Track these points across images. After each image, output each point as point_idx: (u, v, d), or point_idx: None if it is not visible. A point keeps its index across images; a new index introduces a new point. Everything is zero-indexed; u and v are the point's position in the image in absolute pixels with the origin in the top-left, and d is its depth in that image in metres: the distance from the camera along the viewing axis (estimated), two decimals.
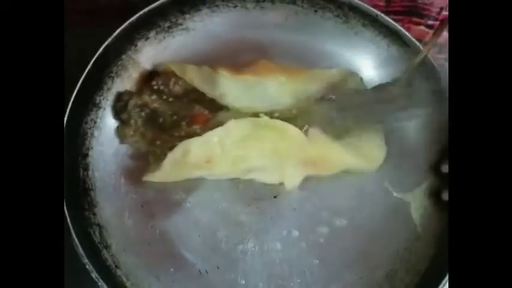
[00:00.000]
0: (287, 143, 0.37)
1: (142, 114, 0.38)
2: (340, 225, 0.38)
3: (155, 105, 0.38)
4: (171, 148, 0.36)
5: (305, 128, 0.38)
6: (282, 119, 0.38)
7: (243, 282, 0.37)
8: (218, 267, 0.37)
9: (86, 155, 0.38)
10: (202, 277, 0.37)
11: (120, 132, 0.38)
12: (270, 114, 0.38)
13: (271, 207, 0.38)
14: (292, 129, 0.37)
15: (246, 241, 0.38)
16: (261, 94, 0.38)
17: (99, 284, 0.32)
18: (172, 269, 0.37)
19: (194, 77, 0.38)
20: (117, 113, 0.38)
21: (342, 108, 0.39)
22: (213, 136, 0.36)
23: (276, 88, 0.38)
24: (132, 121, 0.38)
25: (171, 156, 0.36)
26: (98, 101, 0.38)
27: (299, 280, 0.37)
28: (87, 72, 0.36)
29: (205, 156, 0.36)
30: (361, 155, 0.38)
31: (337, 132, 0.38)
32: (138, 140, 0.38)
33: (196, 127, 0.37)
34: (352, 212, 0.38)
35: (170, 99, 0.38)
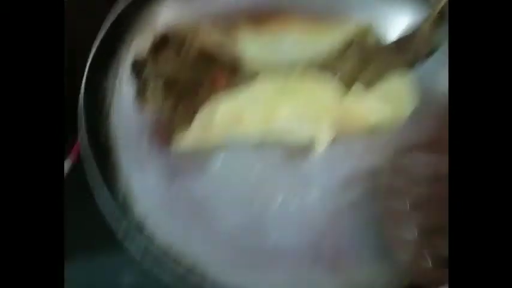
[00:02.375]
0: (318, 100, 0.36)
1: (160, 80, 0.37)
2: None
3: (171, 72, 0.37)
4: (195, 112, 0.35)
5: (332, 83, 0.36)
6: (305, 75, 0.36)
7: (274, 240, 0.35)
8: (248, 227, 0.35)
9: (108, 112, 0.36)
10: (232, 235, 0.35)
11: (139, 100, 0.37)
12: (293, 72, 0.36)
13: (301, 168, 0.37)
14: (323, 86, 0.36)
15: (275, 201, 0.36)
16: (282, 50, 0.36)
17: (127, 237, 0.30)
18: (202, 227, 0.35)
19: (209, 37, 0.37)
20: (134, 80, 0.37)
21: (365, 60, 0.37)
22: (240, 96, 0.35)
23: (297, 43, 0.37)
24: (151, 88, 0.36)
25: (199, 118, 0.35)
26: (118, 60, 0.37)
27: (331, 241, 0.35)
28: (108, 29, 0.35)
29: (233, 116, 0.35)
30: (392, 104, 0.37)
31: (364, 85, 0.37)
32: (160, 107, 0.36)
33: (218, 89, 0.36)
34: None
35: (186, 65, 0.37)
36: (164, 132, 0.36)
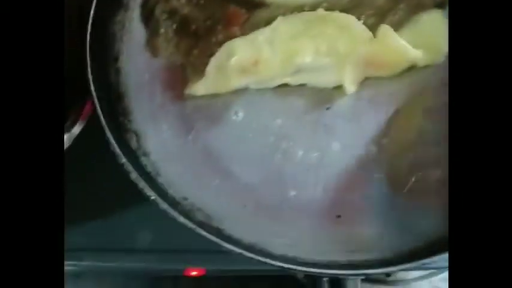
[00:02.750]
0: (346, 38, 0.32)
1: (173, 22, 0.34)
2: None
3: (185, 10, 0.34)
4: (211, 56, 0.32)
5: (362, 21, 0.33)
6: (330, 14, 0.33)
7: (294, 193, 0.33)
8: (266, 179, 0.33)
9: (117, 59, 0.34)
10: (250, 189, 0.33)
11: (151, 45, 0.34)
12: (317, 6, 0.33)
13: (323, 119, 0.34)
14: (353, 22, 0.32)
15: (296, 153, 0.34)
16: None
17: (140, 185, 0.28)
18: (217, 181, 0.33)
19: None
20: (145, 22, 0.34)
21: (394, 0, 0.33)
22: (259, 35, 0.32)
23: None
24: (163, 30, 0.34)
25: (215, 61, 0.32)
26: (125, 1, 0.34)
27: (360, 193, 0.32)
28: None
29: (252, 57, 0.32)
30: (426, 44, 0.33)
31: (392, 25, 0.33)
32: (173, 51, 0.34)
33: (234, 29, 0.33)
34: None
35: (201, 1, 0.34)
36: (178, 79, 0.34)
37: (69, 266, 0.37)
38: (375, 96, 0.34)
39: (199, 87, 0.33)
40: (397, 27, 0.33)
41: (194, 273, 0.37)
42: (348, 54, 0.32)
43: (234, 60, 0.32)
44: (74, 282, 0.39)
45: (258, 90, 0.34)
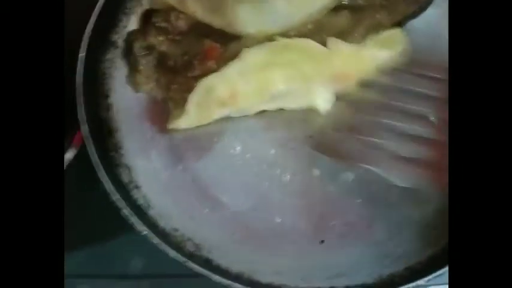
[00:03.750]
0: (311, 60, 0.34)
1: (151, 58, 0.35)
2: None
3: (162, 47, 0.35)
4: (189, 90, 0.34)
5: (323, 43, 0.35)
6: (299, 37, 0.35)
7: (279, 220, 0.34)
8: (254, 208, 0.35)
9: (107, 96, 0.35)
10: (238, 217, 0.34)
11: (131, 81, 0.36)
12: (286, 35, 0.35)
13: (306, 146, 0.36)
14: (313, 45, 0.34)
15: (282, 180, 0.35)
16: (272, 13, 0.35)
17: (131, 221, 0.30)
18: (207, 210, 0.34)
19: (196, 7, 0.35)
20: (125, 59, 0.36)
21: (357, 13, 0.36)
22: (232, 69, 0.34)
23: (286, 4, 0.35)
24: (142, 67, 0.35)
25: (194, 98, 0.34)
26: (114, 39, 0.36)
27: (341, 219, 0.34)
28: (102, 8, 0.34)
29: (228, 90, 0.34)
30: (385, 46, 0.35)
31: (357, 38, 0.35)
32: (153, 87, 0.35)
33: (210, 63, 0.35)
34: None
35: (177, 38, 0.35)
36: (163, 113, 0.35)
37: None
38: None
39: (181, 122, 0.34)
40: (359, 41, 0.35)
41: None
42: (315, 76, 0.34)
43: (211, 96, 0.34)
44: None
45: (244, 120, 0.36)
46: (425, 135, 0.34)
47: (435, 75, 0.35)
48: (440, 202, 0.34)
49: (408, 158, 0.33)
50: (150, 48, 0.35)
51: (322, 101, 0.35)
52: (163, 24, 0.35)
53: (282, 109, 0.36)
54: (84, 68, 0.34)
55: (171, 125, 0.35)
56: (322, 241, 0.34)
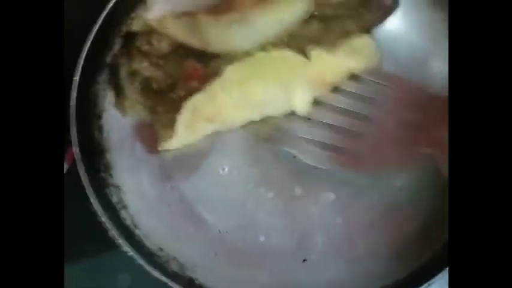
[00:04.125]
0: (288, 69, 0.37)
1: (136, 83, 0.37)
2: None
3: (147, 72, 0.37)
4: (176, 111, 0.35)
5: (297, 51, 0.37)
6: (275, 49, 0.37)
7: (263, 239, 0.36)
8: (239, 226, 0.36)
9: (100, 117, 0.37)
10: (222, 236, 0.36)
11: (118, 105, 0.37)
12: (263, 49, 0.37)
13: (292, 166, 0.37)
14: (289, 54, 0.36)
15: (266, 199, 0.36)
16: (248, 31, 0.37)
17: (118, 242, 0.31)
18: (192, 229, 0.36)
19: (176, 29, 0.37)
20: (112, 85, 0.37)
21: (326, 23, 0.38)
22: (215, 86, 0.35)
23: (262, 20, 0.37)
24: (128, 92, 0.37)
25: (181, 119, 0.35)
26: (108, 60, 0.37)
27: (322, 238, 0.36)
28: (97, 31, 0.35)
29: (213, 107, 0.36)
30: (359, 56, 0.37)
31: (326, 47, 0.37)
32: (139, 110, 0.37)
33: (193, 83, 0.36)
34: None
35: (160, 62, 0.37)
36: (151, 135, 0.37)
37: None
38: None
39: (171, 143, 0.36)
40: (330, 48, 0.37)
41: None
42: (293, 83, 0.36)
43: (198, 115, 0.35)
44: None
45: (231, 138, 0.37)
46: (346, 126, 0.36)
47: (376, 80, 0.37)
48: (420, 221, 0.35)
49: (322, 143, 0.36)
50: (135, 74, 0.36)
51: (299, 105, 0.37)
52: (146, 48, 0.37)
53: (267, 117, 0.37)
54: (78, 89, 0.35)
55: (160, 146, 0.36)
56: (305, 260, 0.35)
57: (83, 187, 0.34)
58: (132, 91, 0.36)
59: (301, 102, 0.37)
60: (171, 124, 0.35)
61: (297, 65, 0.37)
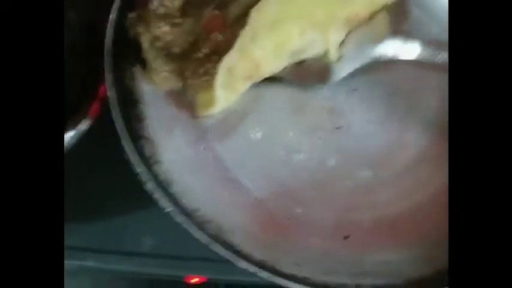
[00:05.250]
0: (324, 5, 0.33)
1: (159, 51, 0.33)
2: None
3: (167, 36, 0.33)
4: (205, 72, 0.32)
5: None
6: None
7: (300, 211, 0.33)
8: (275, 195, 0.33)
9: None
10: (259, 204, 0.33)
11: (147, 80, 0.34)
12: None
13: (332, 138, 0.35)
14: None
15: (305, 169, 0.34)
16: None
17: (156, 196, 0.28)
18: (227, 193, 0.33)
19: None
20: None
21: None
22: (244, 38, 0.31)
23: None
24: (153, 63, 0.33)
25: (218, 83, 0.32)
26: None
27: (365, 217, 0.33)
28: None
29: (248, 63, 0.32)
30: None
31: None
32: (169, 80, 0.33)
33: (215, 35, 0.32)
34: None
35: (178, 21, 0.33)
36: (184, 102, 0.34)
37: (69, 264, 0.37)
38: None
39: (212, 109, 0.33)
40: None
41: (194, 280, 0.37)
42: (329, 22, 0.33)
43: (235, 75, 0.32)
44: (72, 280, 0.38)
45: (270, 102, 0.34)
46: None
47: None
48: None
49: None
50: (156, 41, 0.33)
51: (336, 45, 0.34)
52: (161, 10, 0.33)
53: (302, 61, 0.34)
54: (113, 33, 0.32)
55: (201, 113, 0.33)
56: (346, 237, 0.32)
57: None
58: (157, 61, 0.33)
59: (335, 42, 0.33)
60: (205, 88, 0.32)
61: (334, 0, 0.33)
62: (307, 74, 0.35)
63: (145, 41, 0.33)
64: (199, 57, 0.32)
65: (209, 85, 0.32)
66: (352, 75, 0.35)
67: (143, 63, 0.33)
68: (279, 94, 0.35)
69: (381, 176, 0.34)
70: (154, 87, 0.34)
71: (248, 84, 0.33)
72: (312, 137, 0.35)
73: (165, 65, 0.33)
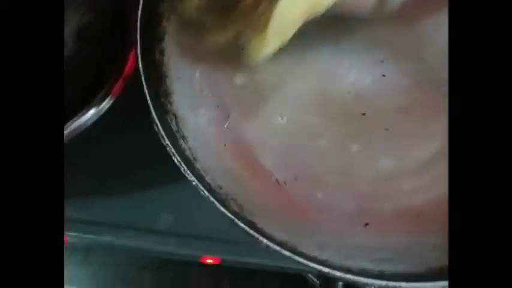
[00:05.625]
0: None
1: (205, 5, 0.33)
2: None
3: None
4: (257, 19, 0.31)
5: None
6: None
7: (320, 195, 0.33)
8: (296, 179, 0.33)
9: (162, 39, 0.34)
10: (280, 187, 0.33)
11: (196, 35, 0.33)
12: None
13: (356, 125, 0.34)
14: None
15: (326, 155, 0.34)
16: None
17: (183, 168, 0.28)
18: (249, 173, 0.33)
19: None
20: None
21: None
22: None
23: None
24: (201, 17, 0.33)
25: (272, 28, 0.30)
26: None
27: (386, 205, 0.33)
28: None
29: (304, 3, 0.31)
30: None
31: None
32: (218, 32, 0.33)
33: None
34: None
35: None
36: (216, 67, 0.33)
37: (85, 238, 0.37)
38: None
39: (262, 52, 0.32)
40: None
41: (210, 261, 0.37)
42: None
43: (288, 18, 0.31)
44: (86, 254, 0.39)
45: (293, 87, 0.34)
46: None
47: None
48: None
49: None
50: None
51: None
52: None
53: None
54: (142, 6, 0.32)
55: (253, 58, 0.32)
56: (367, 224, 0.32)
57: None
58: (206, 16, 0.33)
59: None
60: (257, 34, 0.31)
61: None
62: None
63: None
64: (247, 5, 0.32)
65: (262, 31, 0.31)
66: (382, 60, 0.34)
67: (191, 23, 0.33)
68: (303, 77, 0.35)
69: (404, 166, 0.34)
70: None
71: (298, 26, 0.32)
72: (336, 122, 0.35)
73: (214, 17, 0.33)
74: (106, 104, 0.35)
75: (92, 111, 0.34)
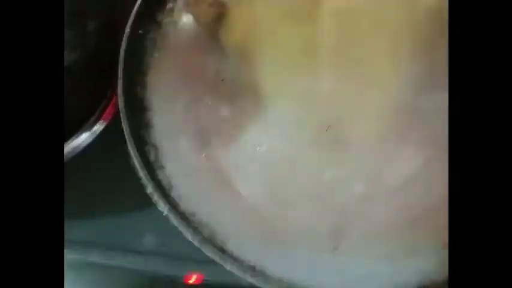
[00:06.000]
0: None
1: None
2: None
3: None
4: None
5: None
6: None
7: (294, 219, 0.35)
8: (270, 203, 0.35)
9: (146, 73, 0.36)
10: (254, 211, 0.35)
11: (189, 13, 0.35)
12: None
13: (330, 152, 0.36)
14: None
15: (299, 180, 0.36)
16: None
17: (154, 199, 0.30)
18: (225, 199, 0.35)
19: None
20: None
21: None
22: None
23: None
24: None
25: None
26: (159, 19, 0.37)
27: (357, 230, 0.34)
28: None
29: None
30: None
31: None
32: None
33: None
34: None
35: None
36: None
37: (72, 258, 0.39)
38: None
39: None
40: None
41: (193, 280, 0.39)
42: None
43: None
44: (74, 273, 0.41)
45: (274, 113, 0.36)
46: None
47: None
48: None
49: None
50: None
51: None
52: None
53: None
54: (127, 44, 0.34)
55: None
56: (336, 247, 0.34)
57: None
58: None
59: None
60: None
61: None
62: None
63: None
64: None
65: None
66: None
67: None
68: (282, 107, 0.37)
69: (374, 192, 0.35)
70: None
71: None
72: (312, 150, 0.36)
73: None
74: (98, 128, 0.37)
75: (86, 135, 0.37)
